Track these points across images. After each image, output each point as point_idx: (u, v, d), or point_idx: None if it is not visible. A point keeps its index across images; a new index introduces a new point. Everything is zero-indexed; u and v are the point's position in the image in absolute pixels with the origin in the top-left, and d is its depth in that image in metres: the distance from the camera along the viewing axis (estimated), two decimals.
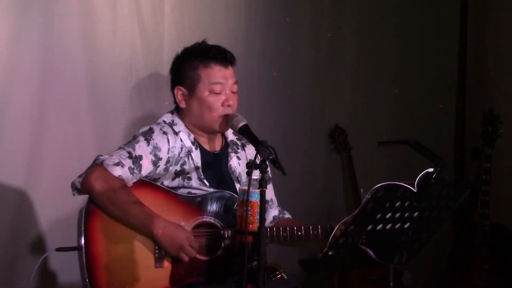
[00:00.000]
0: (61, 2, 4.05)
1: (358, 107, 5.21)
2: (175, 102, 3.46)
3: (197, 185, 3.37)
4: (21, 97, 3.94)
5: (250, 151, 3.53)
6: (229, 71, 3.41)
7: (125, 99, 4.28)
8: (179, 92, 3.42)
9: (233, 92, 3.41)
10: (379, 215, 2.84)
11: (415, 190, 2.83)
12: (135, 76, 4.30)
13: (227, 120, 3.36)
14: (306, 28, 4.97)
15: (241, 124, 3.30)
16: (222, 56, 3.40)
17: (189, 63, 3.40)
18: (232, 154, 3.50)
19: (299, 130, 4.97)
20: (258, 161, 2.92)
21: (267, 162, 2.92)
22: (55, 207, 3.98)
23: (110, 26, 4.21)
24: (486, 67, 5.42)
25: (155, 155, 3.30)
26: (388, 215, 2.85)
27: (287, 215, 3.60)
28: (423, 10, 5.41)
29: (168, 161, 3.34)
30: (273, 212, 3.57)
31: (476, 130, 5.14)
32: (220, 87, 3.37)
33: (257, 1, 4.76)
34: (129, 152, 3.25)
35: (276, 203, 3.61)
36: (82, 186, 3.19)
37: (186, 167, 3.37)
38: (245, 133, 3.28)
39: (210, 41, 3.50)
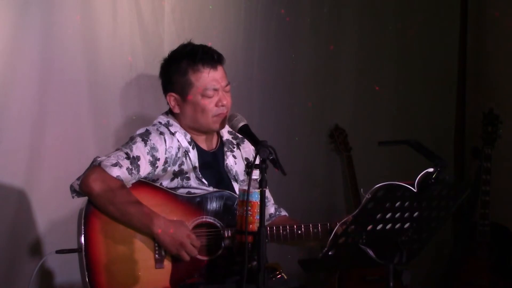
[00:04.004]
0: (61, 3, 4.04)
1: (358, 107, 5.20)
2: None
3: (196, 185, 3.37)
4: (21, 97, 3.93)
5: (246, 150, 3.54)
6: (218, 73, 3.38)
7: (125, 99, 4.27)
8: (172, 98, 3.40)
9: (225, 92, 3.40)
10: (379, 215, 2.83)
11: (415, 190, 2.83)
12: (135, 76, 4.30)
13: (227, 120, 3.36)
14: (306, 28, 4.97)
15: (241, 124, 3.29)
16: (210, 58, 3.36)
17: (178, 68, 3.37)
18: (228, 153, 3.50)
19: (299, 130, 4.97)
20: (258, 161, 2.92)
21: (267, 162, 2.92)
22: (55, 208, 3.97)
23: (110, 26, 4.20)
24: (486, 67, 5.42)
25: (153, 156, 3.30)
26: (388, 215, 2.85)
27: (284, 213, 3.60)
28: (423, 10, 5.40)
29: (166, 162, 3.34)
30: (269, 209, 3.57)
31: (476, 130, 5.14)
32: (213, 91, 3.36)
33: (257, 1, 4.76)
34: (126, 153, 3.25)
35: (272, 201, 3.60)
36: (80, 189, 3.18)
37: (184, 167, 3.37)
38: (245, 133, 3.28)
39: (210, 42, 3.49)
